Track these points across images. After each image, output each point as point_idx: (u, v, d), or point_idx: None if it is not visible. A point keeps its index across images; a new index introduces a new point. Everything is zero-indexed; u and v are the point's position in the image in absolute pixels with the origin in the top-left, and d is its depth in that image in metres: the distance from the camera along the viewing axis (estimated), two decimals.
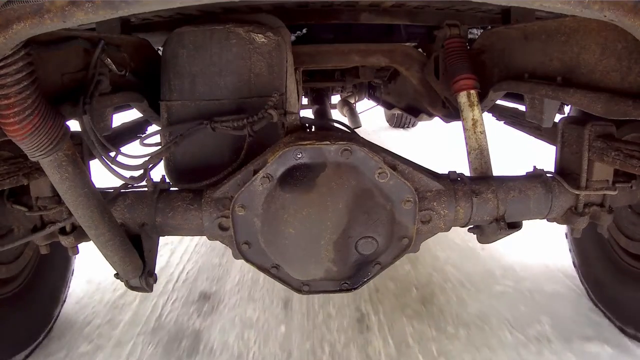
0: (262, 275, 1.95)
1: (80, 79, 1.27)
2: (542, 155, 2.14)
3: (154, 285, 1.41)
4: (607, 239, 1.88)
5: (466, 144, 1.67)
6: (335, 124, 1.72)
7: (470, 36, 2.20)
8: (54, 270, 1.95)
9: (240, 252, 1.37)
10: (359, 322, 1.98)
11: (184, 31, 1.55)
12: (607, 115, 1.13)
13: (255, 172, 1.28)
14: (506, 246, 2.37)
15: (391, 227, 1.33)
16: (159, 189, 1.40)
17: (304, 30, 2.12)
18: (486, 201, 1.39)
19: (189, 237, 2.77)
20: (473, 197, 1.38)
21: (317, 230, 1.31)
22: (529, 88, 1.47)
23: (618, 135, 1.44)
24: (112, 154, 1.29)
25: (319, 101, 4.01)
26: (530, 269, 2.39)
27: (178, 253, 2.68)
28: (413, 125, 6.40)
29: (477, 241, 1.51)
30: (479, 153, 1.63)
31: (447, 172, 1.47)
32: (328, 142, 1.24)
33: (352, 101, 4.38)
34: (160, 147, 1.49)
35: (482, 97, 1.76)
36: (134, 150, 1.52)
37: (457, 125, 2.05)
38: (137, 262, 1.31)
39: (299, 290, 1.43)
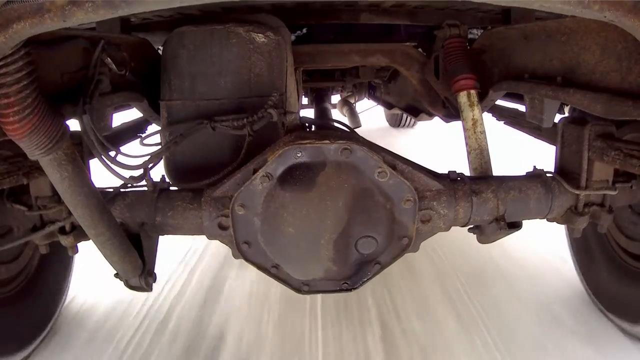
0: None
1: (80, 79, 1.27)
2: (542, 155, 2.14)
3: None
4: (607, 238, 1.88)
5: (466, 143, 1.67)
6: (335, 124, 1.72)
7: (470, 36, 2.20)
8: (53, 270, 1.95)
9: (239, 252, 1.37)
10: None
11: (184, 31, 1.55)
12: (607, 115, 1.13)
13: (255, 171, 1.28)
14: None
15: (391, 226, 1.33)
16: (159, 189, 1.40)
17: (304, 30, 2.13)
18: (486, 201, 1.39)
19: None
20: (473, 196, 1.38)
21: (316, 230, 1.31)
22: (529, 88, 1.47)
23: (618, 135, 1.44)
24: (112, 153, 1.30)
25: (319, 101, 4.01)
26: None
27: None
28: (412, 126, 6.39)
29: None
30: (478, 153, 1.63)
31: (446, 172, 1.47)
32: (328, 141, 1.24)
33: (352, 101, 4.38)
34: (160, 146, 1.49)
35: (482, 97, 1.76)
36: (134, 150, 1.52)
37: (457, 125, 2.05)
38: (136, 262, 1.31)
39: (298, 290, 1.43)
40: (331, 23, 2.09)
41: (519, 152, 4.19)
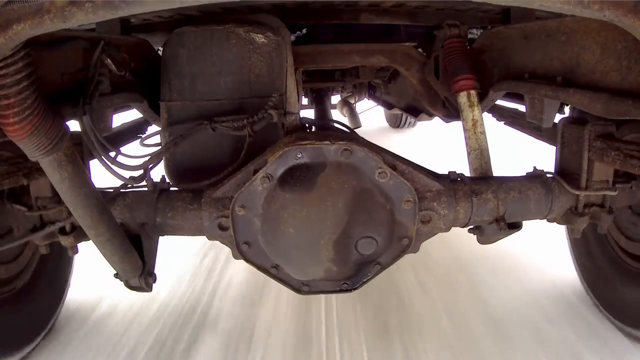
0: None
1: (80, 79, 1.27)
2: (542, 156, 2.14)
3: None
4: (607, 239, 1.88)
5: (466, 144, 1.67)
6: (335, 124, 1.72)
7: (470, 36, 2.20)
8: (54, 270, 1.95)
9: (240, 252, 1.37)
10: None
11: (184, 31, 1.55)
12: (607, 115, 1.13)
13: (255, 172, 1.28)
14: None
15: (391, 227, 1.33)
16: (159, 189, 1.40)
17: (304, 30, 2.13)
18: (486, 201, 1.39)
19: None
20: (473, 197, 1.38)
21: (317, 230, 1.31)
22: (529, 88, 1.47)
23: (618, 136, 1.44)
24: (112, 154, 1.30)
25: (319, 101, 4.01)
26: None
27: None
28: (412, 126, 6.39)
29: None
30: (479, 153, 1.63)
31: (447, 172, 1.47)
32: (328, 142, 1.24)
33: (352, 101, 4.39)
34: (160, 147, 1.49)
35: (482, 97, 1.76)
36: (134, 151, 1.52)
37: (457, 125, 2.05)
38: (136, 262, 1.31)
39: (298, 291, 1.43)
40: (331, 23, 2.09)
41: (519, 153, 4.19)
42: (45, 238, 1.42)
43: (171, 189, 1.45)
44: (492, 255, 2.50)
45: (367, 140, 1.34)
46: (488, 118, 2.00)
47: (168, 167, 1.60)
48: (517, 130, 2.14)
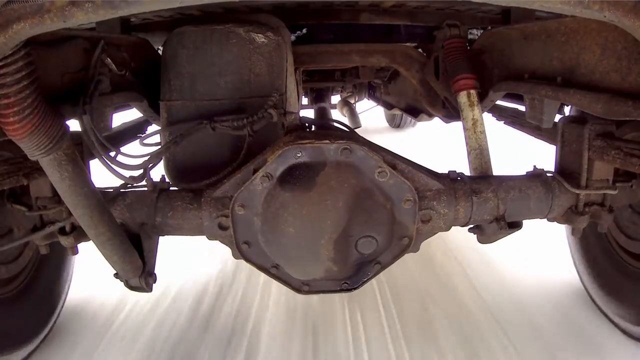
0: None
1: (80, 79, 1.27)
2: (542, 155, 2.14)
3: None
4: (607, 238, 1.88)
5: (466, 143, 1.67)
6: (335, 124, 1.72)
7: (470, 36, 2.20)
8: (54, 271, 1.95)
9: (240, 252, 1.37)
10: None
11: (184, 31, 1.55)
12: (608, 115, 1.13)
13: (255, 171, 1.28)
14: None
15: (391, 226, 1.33)
16: (159, 189, 1.40)
17: (304, 30, 2.13)
18: (486, 200, 1.39)
19: None
20: (473, 196, 1.38)
21: (317, 230, 1.31)
22: (529, 88, 1.47)
23: (618, 134, 1.44)
24: (112, 153, 1.30)
25: (319, 101, 4.02)
26: None
27: None
28: (413, 126, 6.39)
29: None
30: (479, 153, 1.63)
31: (446, 172, 1.47)
32: (328, 141, 1.24)
33: (352, 101, 4.39)
34: (160, 146, 1.49)
35: (482, 97, 1.76)
36: (134, 150, 1.52)
37: (457, 125, 2.05)
38: (136, 262, 1.31)
39: (298, 290, 1.43)
40: (331, 23, 2.09)
41: (519, 152, 4.19)
42: (46, 238, 1.42)
43: (171, 188, 1.45)
44: (492, 252, 2.50)
45: (366, 140, 1.34)
46: (488, 117, 2.00)
47: (168, 167, 1.60)
48: (517, 130, 2.14)
